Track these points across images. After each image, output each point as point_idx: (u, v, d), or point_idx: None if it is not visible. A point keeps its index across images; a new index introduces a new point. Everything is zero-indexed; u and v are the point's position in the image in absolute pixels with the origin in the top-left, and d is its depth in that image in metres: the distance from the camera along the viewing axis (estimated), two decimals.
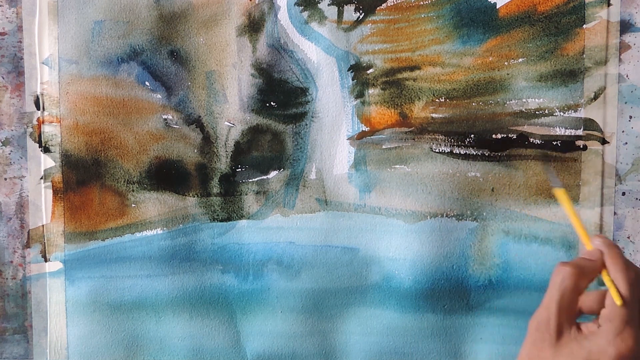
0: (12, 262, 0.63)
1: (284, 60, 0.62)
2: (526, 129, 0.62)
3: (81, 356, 0.63)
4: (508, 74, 0.61)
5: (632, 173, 0.62)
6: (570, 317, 0.44)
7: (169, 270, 0.63)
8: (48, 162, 0.62)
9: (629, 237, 0.63)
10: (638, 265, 0.63)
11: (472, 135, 0.62)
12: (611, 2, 0.61)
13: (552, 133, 0.62)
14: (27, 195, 0.63)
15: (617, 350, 0.42)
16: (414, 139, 0.62)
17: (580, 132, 0.62)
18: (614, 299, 0.43)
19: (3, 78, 0.62)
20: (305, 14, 0.62)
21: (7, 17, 0.62)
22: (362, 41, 0.62)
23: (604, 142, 0.62)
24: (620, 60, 0.61)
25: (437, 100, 0.62)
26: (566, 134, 0.62)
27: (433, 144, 0.62)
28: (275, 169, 0.63)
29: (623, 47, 0.61)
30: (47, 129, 0.62)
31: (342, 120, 0.62)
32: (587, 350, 0.42)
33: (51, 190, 0.62)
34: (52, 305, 0.63)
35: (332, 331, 0.63)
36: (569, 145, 0.62)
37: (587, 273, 0.44)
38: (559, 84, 0.61)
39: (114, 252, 0.63)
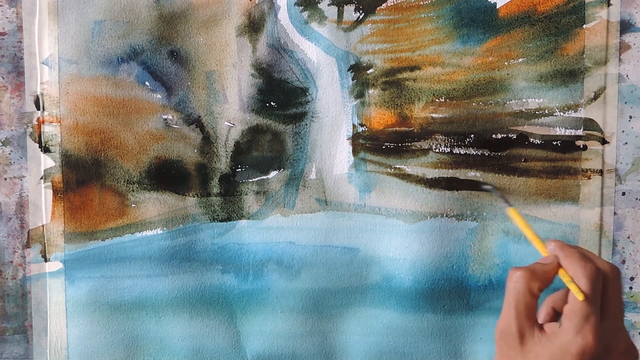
0: (12, 262, 0.63)
1: (284, 60, 0.62)
2: (526, 129, 0.62)
3: (81, 356, 0.63)
4: (508, 74, 0.61)
5: (632, 173, 0.62)
6: (530, 320, 0.43)
7: (169, 270, 0.63)
8: (48, 162, 0.62)
9: (629, 237, 0.63)
10: (638, 269, 0.63)
11: (472, 135, 0.62)
12: (611, 2, 0.61)
13: (552, 133, 0.62)
14: (27, 195, 0.63)
15: (578, 348, 0.41)
16: (414, 139, 0.62)
17: (580, 132, 0.62)
18: (575, 294, 0.42)
19: (3, 78, 0.62)
20: (305, 14, 0.62)
21: (7, 17, 0.62)
22: (362, 41, 0.62)
23: (604, 142, 0.62)
24: (620, 60, 0.61)
25: (437, 100, 0.62)
26: (566, 134, 0.62)
27: (433, 144, 0.62)
28: (275, 169, 0.63)
29: (623, 47, 0.61)
30: (47, 129, 0.62)
31: (342, 120, 0.62)
32: (551, 351, 0.42)
33: (51, 190, 0.62)
34: (52, 305, 0.63)
35: (332, 331, 0.63)
36: (569, 145, 0.62)
37: (539, 275, 0.44)
38: (559, 84, 0.61)
39: (114, 252, 0.63)
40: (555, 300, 0.46)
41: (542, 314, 0.46)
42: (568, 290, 0.43)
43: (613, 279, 0.44)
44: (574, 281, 0.43)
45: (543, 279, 0.44)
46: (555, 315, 0.46)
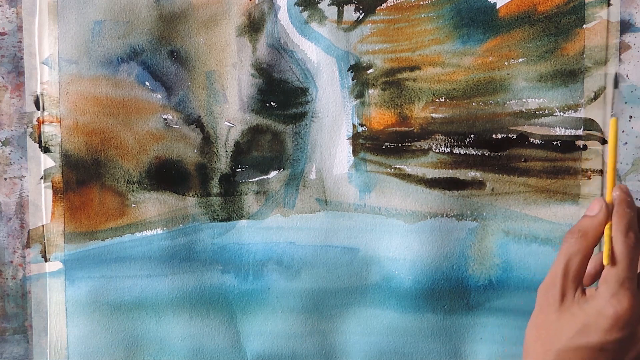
0: (12, 262, 0.63)
1: (284, 60, 0.62)
2: (526, 129, 0.62)
3: (81, 356, 0.63)
4: (508, 74, 0.61)
5: (632, 173, 0.62)
6: (575, 282, 0.44)
7: (169, 270, 0.63)
8: (48, 162, 0.62)
9: None
10: None
11: (472, 135, 0.62)
12: (611, 2, 0.61)
13: (552, 133, 0.62)
14: (27, 195, 0.63)
15: (614, 311, 0.41)
16: (414, 139, 0.62)
17: (580, 132, 0.62)
18: (603, 257, 0.42)
19: (3, 78, 0.62)
20: (305, 14, 0.62)
21: (7, 17, 0.62)
22: (362, 41, 0.62)
23: (604, 142, 0.62)
24: (620, 60, 0.61)
25: (437, 100, 0.62)
26: (566, 134, 0.62)
27: (433, 144, 0.62)
28: (275, 169, 0.63)
29: (623, 47, 0.61)
30: (47, 129, 0.62)
31: (342, 120, 0.62)
32: (586, 313, 0.42)
33: (51, 190, 0.62)
34: (52, 305, 0.63)
35: (332, 331, 0.63)
36: (569, 145, 0.62)
37: (590, 234, 0.44)
38: (559, 84, 0.61)
39: (114, 252, 0.63)
40: (599, 262, 0.46)
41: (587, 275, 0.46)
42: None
43: None
44: (612, 243, 0.43)
45: (595, 238, 0.44)
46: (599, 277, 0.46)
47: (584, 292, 0.44)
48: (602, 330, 0.42)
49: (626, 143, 0.62)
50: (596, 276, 0.47)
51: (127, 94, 0.62)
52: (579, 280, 0.44)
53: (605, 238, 0.43)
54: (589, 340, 0.42)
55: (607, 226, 0.44)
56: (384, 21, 0.62)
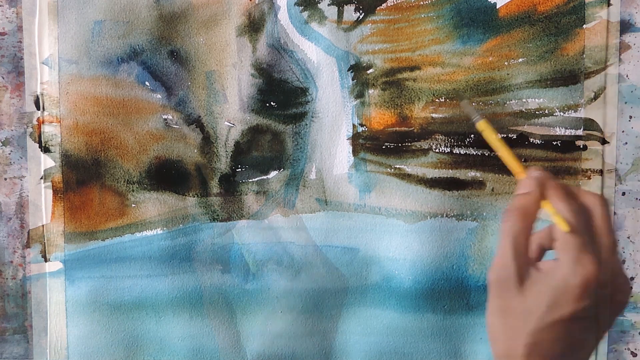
0: (12, 262, 0.63)
1: (284, 60, 0.62)
2: (526, 129, 0.62)
3: (81, 356, 0.63)
4: (508, 74, 0.61)
5: (632, 173, 0.62)
6: (527, 259, 0.43)
7: (169, 270, 0.63)
8: (48, 162, 0.62)
9: (629, 237, 0.63)
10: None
11: (472, 135, 0.62)
12: (611, 2, 0.61)
13: (552, 133, 0.62)
14: (27, 195, 0.63)
15: (581, 278, 0.41)
16: (414, 139, 0.62)
17: (580, 132, 0.62)
18: (560, 226, 0.42)
19: (3, 78, 0.62)
20: (305, 14, 0.62)
21: (7, 17, 0.62)
22: (362, 41, 0.62)
23: (604, 142, 0.62)
24: (620, 60, 0.61)
25: (437, 100, 0.62)
26: (566, 134, 0.62)
27: (433, 144, 0.62)
28: (275, 169, 0.63)
29: (623, 47, 0.61)
30: (47, 129, 0.62)
31: (342, 120, 0.62)
32: (552, 287, 0.41)
33: (51, 190, 0.62)
34: (52, 305, 0.63)
35: (332, 331, 0.63)
36: (569, 145, 0.62)
37: (529, 210, 0.43)
38: (559, 84, 0.61)
39: (114, 252, 0.63)
40: (541, 238, 0.45)
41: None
42: (553, 226, 0.43)
43: (601, 209, 0.43)
44: (559, 213, 0.42)
45: (534, 214, 0.43)
46: (542, 254, 0.45)
47: (538, 267, 0.43)
48: (573, 299, 0.41)
49: (626, 143, 0.62)
50: (540, 251, 0.45)
51: (127, 94, 0.62)
52: (530, 258, 0.43)
53: (551, 212, 0.43)
54: (562, 313, 0.41)
55: (545, 204, 0.43)
56: (384, 21, 0.62)
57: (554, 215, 0.43)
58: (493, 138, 0.48)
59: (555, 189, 0.44)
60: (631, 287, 0.44)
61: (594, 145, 0.62)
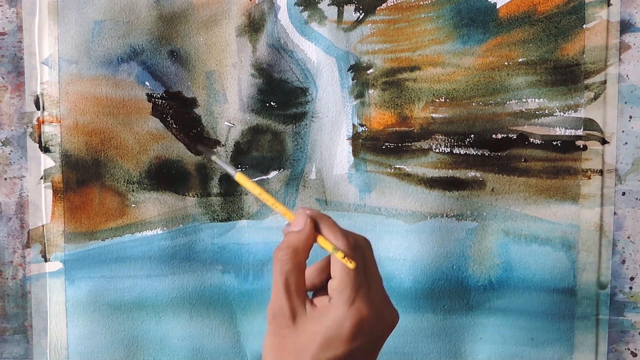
0: (12, 262, 0.63)
1: (284, 60, 0.62)
2: (526, 129, 0.62)
3: (81, 356, 0.63)
4: (508, 74, 0.61)
5: (632, 173, 0.62)
6: (301, 296, 0.43)
7: (169, 270, 0.63)
8: (48, 162, 0.62)
9: (629, 237, 0.63)
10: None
11: (472, 135, 0.62)
12: (611, 2, 0.61)
13: (552, 133, 0.62)
14: (27, 195, 0.63)
15: (354, 320, 0.41)
16: (414, 139, 0.62)
17: (580, 132, 0.62)
18: (346, 263, 0.41)
19: (3, 78, 0.62)
20: (305, 14, 0.62)
21: (7, 17, 0.62)
22: (362, 41, 0.62)
23: (604, 142, 0.62)
24: (620, 60, 0.61)
25: (437, 100, 0.62)
26: (566, 134, 0.62)
27: (433, 144, 0.62)
28: (275, 169, 0.63)
29: (623, 47, 0.61)
30: (47, 129, 0.62)
31: (342, 120, 0.62)
32: (325, 327, 0.41)
33: (51, 190, 0.62)
34: (52, 305, 0.63)
35: None
36: (569, 145, 0.62)
37: (301, 248, 0.43)
38: (559, 84, 0.61)
39: (114, 252, 0.63)
40: (312, 274, 0.45)
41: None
42: (323, 263, 0.43)
43: (368, 249, 0.44)
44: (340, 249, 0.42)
45: (305, 249, 0.44)
46: (324, 281, 0.45)
47: (313, 303, 0.43)
48: (346, 340, 0.41)
49: (626, 143, 0.62)
50: (320, 280, 0.45)
51: (127, 94, 0.62)
52: (304, 294, 0.43)
53: (331, 249, 0.43)
54: (335, 352, 0.41)
55: (322, 241, 0.43)
56: (384, 21, 0.62)
57: (334, 253, 0.42)
58: (252, 187, 0.48)
59: (329, 226, 0.44)
60: (398, 316, 0.44)
61: (594, 145, 0.62)
